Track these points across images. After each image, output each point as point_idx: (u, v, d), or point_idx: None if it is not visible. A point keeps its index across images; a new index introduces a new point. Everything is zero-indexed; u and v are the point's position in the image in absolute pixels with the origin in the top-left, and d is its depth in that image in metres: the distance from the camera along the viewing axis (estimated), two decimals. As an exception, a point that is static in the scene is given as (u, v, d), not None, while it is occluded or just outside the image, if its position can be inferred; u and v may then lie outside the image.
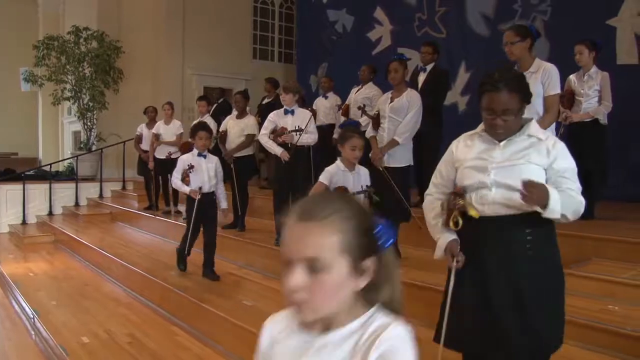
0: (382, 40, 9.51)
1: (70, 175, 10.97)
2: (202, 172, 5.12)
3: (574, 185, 2.19)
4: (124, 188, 10.65)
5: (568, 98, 5.00)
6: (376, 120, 4.73)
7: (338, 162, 3.92)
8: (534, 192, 2.04)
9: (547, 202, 2.06)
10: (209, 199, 5.18)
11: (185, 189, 5.13)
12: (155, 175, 8.22)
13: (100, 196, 10.50)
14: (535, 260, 2.22)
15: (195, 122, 6.36)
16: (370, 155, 4.69)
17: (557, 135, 3.92)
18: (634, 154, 6.20)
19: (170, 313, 4.85)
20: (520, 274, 2.20)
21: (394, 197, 4.37)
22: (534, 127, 2.28)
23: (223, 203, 5.38)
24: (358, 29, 9.99)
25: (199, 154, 5.18)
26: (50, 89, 11.31)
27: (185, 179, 5.10)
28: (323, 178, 3.84)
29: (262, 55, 12.97)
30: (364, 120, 6.23)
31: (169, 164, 7.86)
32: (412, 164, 4.66)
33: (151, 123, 8.43)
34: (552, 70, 3.66)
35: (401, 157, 4.57)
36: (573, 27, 6.52)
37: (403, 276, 1.26)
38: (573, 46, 5.11)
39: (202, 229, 5.25)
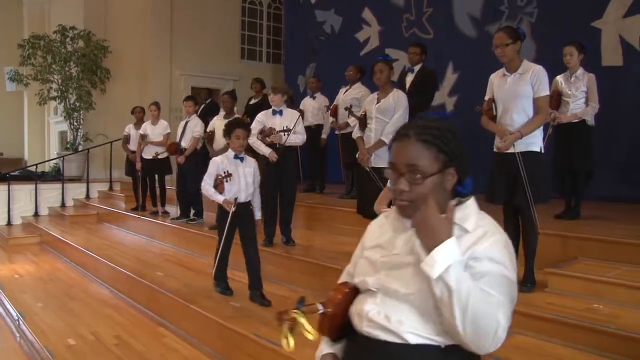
0: (370, 41, 9.52)
1: (56, 175, 10.89)
2: (238, 179, 4.39)
3: (497, 298, 1.30)
4: (110, 189, 10.59)
5: (555, 99, 5.05)
6: (363, 121, 4.74)
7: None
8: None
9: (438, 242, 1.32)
10: (245, 210, 4.43)
11: (218, 198, 4.34)
12: (142, 176, 8.18)
13: (87, 197, 10.43)
14: None
15: (230, 119, 5.77)
16: (357, 155, 4.71)
17: (544, 136, 3.95)
18: (618, 155, 6.26)
19: (158, 314, 4.83)
20: None
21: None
22: (462, 212, 1.44)
23: (257, 213, 4.58)
24: (346, 30, 10.00)
25: (236, 156, 4.44)
26: (36, 88, 11.22)
27: (218, 185, 4.37)
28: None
29: (250, 55, 12.95)
30: (352, 121, 6.24)
31: (157, 164, 7.85)
32: None
33: (139, 123, 8.39)
34: (541, 71, 3.69)
35: (388, 158, 4.58)
36: (559, 28, 6.58)
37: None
38: (559, 47, 5.16)
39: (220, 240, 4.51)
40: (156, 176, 8.04)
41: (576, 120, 4.98)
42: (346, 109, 6.55)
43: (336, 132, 7.21)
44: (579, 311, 3.25)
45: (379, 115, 4.60)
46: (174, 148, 7.28)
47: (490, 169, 3.90)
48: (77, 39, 10.85)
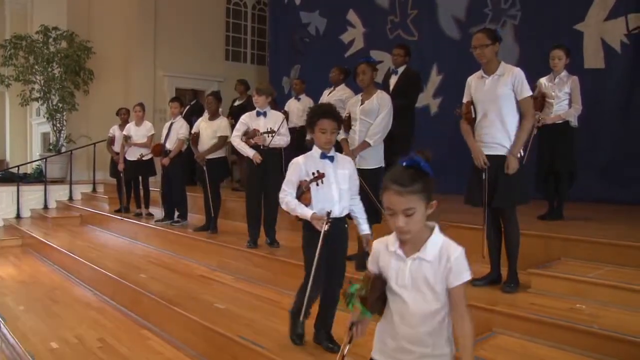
0: (354, 43, 9.55)
1: (38, 177, 10.78)
2: (330, 185, 3.22)
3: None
4: (94, 190, 10.50)
5: (539, 101, 5.11)
6: (347, 123, 4.74)
7: None
8: None
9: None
10: (339, 228, 3.24)
11: (305, 213, 3.15)
12: (126, 178, 8.12)
13: (70, 199, 10.33)
14: None
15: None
16: None
17: (529, 138, 3.99)
18: (601, 156, 6.34)
19: (142, 317, 4.78)
20: None
21: (365, 199, 4.38)
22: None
23: (364, 225, 3.36)
24: (331, 31, 10.02)
25: (324, 155, 3.24)
26: (18, 89, 11.10)
27: (304, 195, 3.20)
28: None
29: (235, 56, 12.91)
30: None
31: (141, 166, 7.79)
32: (383, 165, 4.68)
33: (123, 125, 8.32)
34: (520, 73, 3.72)
35: (373, 159, 4.58)
36: (542, 31, 6.66)
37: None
38: (542, 49, 5.22)
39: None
40: (140, 178, 7.99)
41: (560, 122, 5.04)
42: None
43: None
44: (562, 311, 3.28)
45: (363, 116, 4.58)
46: (159, 150, 7.23)
47: (470, 174, 3.93)
48: (60, 39, 10.75)
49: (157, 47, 11.55)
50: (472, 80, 3.93)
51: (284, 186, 3.26)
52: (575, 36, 6.51)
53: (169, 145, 7.09)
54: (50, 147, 11.12)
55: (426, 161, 1.74)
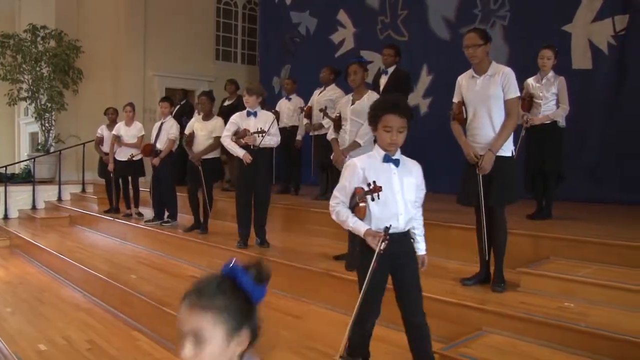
0: (345, 43, 9.55)
1: (27, 177, 10.67)
2: (394, 195, 2.72)
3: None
4: (83, 191, 10.43)
5: (527, 101, 5.14)
6: (337, 123, 4.75)
7: None
8: None
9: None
10: (404, 244, 2.80)
11: (359, 229, 2.68)
12: (115, 178, 8.07)
13: (59, 199, 10.25)
14: None
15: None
16: (332, 157, 4.72)
17: (516, 139, 4.01)
18: (589, 156, 6.39)
19: (132, 318, 4.76)
20: None
21: None
22: None
23: (422, 244, 2.90)
24: (321, 31, 10.01)
25: (387, 158, 2.74)
26: (5, 88, 10.98)
27: (357, 207, 2.67)
28: None
29: (225, 56, 12.87)
30: (326, 123, 6.25)
31: (131, 166, 7.73)
32: None
33: (112, 124, 8.27)
34: (510, 73, 3.74)
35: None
36: (531, 32, 6.70)
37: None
38: (531, 50, 5.24)
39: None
40: (129, 178, 7.95)
41: (548, 122, 5.07)
42: (321, 110, 6.57)
43: (310, 134, 7.22)
44: (551, 310, 3.31)
45: (354, 117, 4.58)
46: (149, 150, 7.19)
47: (462, 173, 3.94)
48: (49, 38, 10.66)
49: (146, 47, 11.49)
50: (463, 80, 3.92)
51: (335, 192, 2.80)
52: (564, 37, 6.56)
53: (159, 145, 7.05)
54: (39, 147, 11.02)
55: (257, 280, 1.28)
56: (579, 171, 6.11)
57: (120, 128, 7.90)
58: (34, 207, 10.00)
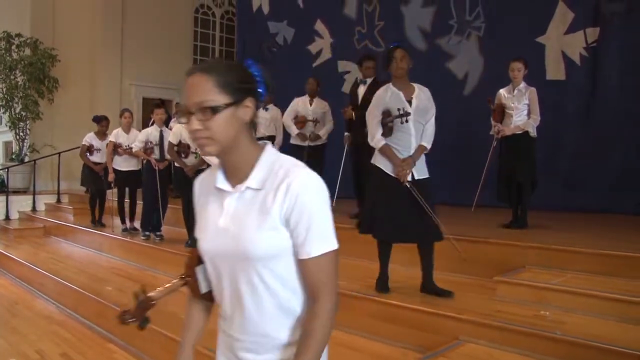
0: (322, 53, 9.60)
1: (0, 187, 10.50)
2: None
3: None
4: (58, 201, 10.27)
5: (499, 112, 5.22)
6: (389, 128, 3.98)
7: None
8: None
9: None
10: None
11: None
12: (118, 187, 7.56)
13: (34, 209, 10.07)
14: None
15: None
16: (394, 172, 4.10)
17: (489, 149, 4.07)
18: (562, 164, 6.50)
19: (107, 330, 4.69)
20: None
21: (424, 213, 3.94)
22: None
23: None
24: (298, 41, 10.05)
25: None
26: (-22, 97, 10.81)
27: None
28: None
29: (203, 65, 12.84)
30: (323, 133, 6.33)
31: (131, 177, 7.39)
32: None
33: (103, 134, 7.97)
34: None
35: (424, 167, 4.03)
36: (505, 43, 6.80)
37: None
38: (505, 60, 5.32)
39: None
40: (127, 189, 7.54)
41: (519, 132, 5.14)
42: (313, 120, 6.58)
43: (308, 144, 7.03)
44: (526, 318, 3.33)
45: (418, 118, 3.86)
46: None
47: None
48: (24, 46, 10.53)
49: (123, 56, 11.42)
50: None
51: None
52: (538, 48, 6.68)
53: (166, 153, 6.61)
54: (13, 157, 10.86)
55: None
56: (553, 180, 6.21)
57: (119, 135, 7.42)
58: (7, 218, 9.82)
